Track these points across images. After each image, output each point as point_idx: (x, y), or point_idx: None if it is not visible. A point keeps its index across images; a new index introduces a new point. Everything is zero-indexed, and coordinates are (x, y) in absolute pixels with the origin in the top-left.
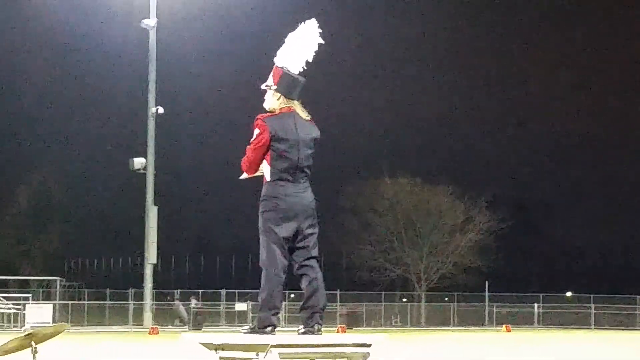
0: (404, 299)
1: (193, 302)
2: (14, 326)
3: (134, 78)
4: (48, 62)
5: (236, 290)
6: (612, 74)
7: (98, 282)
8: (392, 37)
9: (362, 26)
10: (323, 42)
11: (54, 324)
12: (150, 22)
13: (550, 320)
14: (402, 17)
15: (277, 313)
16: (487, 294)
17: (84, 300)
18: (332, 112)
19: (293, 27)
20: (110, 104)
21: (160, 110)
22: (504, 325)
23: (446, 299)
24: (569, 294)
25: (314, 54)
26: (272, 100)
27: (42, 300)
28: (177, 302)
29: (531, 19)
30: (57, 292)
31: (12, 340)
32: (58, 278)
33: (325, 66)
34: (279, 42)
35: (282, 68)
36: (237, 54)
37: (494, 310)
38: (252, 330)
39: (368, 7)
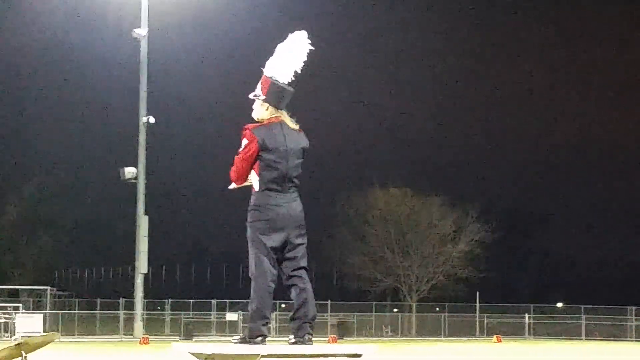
0: (395, 309)
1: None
2: (5, 336)
3: (125, 88)
4: (39, 72)
5: (227, 300)
6: (608, 85)
7: (89, 292)
8: (385, 48)
9: (354, 38)
10: (313, 48)
11: (45, 334)
12: (142, 32)
13: (540, 331)
14: (395, 28)
15: (268, 323)
16: (477, 304)
17: (75, 309)
18: (324, 123)
19: (283, 37)
20: (101, 114)
21: (152, 119)
22: (494, 336)
23: (437, 309)
24: (559, 304)
25: (303, 64)
26: (261, 110)
27: (33, 309)
28: None
29: (525, 32)
30: (48, 302)
31: (2, 349)
32: (49, 287)
33: (318, 77)
34: (270, 52)
35: (270, 78)
36: (227, 63)
37: (485, 320)
38: (243, 340)
39: (360, 18)
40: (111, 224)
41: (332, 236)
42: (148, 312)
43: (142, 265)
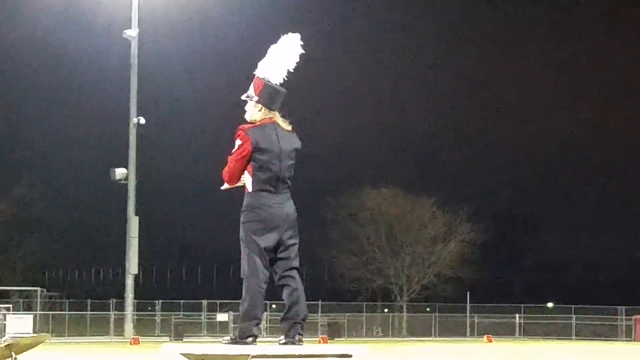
0: (386, 310)
1: None
2: None
3: (115, 88)
4: (29, 72)
5: (217, 301)
6: (606, 86)
7: (79, 293)
8: (375, 49)
9: (345, 39)
10: (304, 51)
11: (35, 335)
12: (132, 32)
13: (531, 331)
14: (385, 30)
15: (258, 324)
16: (468, 304)
17: (65, 310)
18: (315, 122)
19: (275, 39)
20: (91, 115)
21: (142, 120)
22: (485, 336)
23: (428, 309)
24: (550, 304)
25: (295, 65)
26: (253, 111)
27: (23, 310)
28: None
29: (514, 31)
30: (38, 303)
31: None
32: (39, 288)
33: (308, 77)
34: (262, 53)
35: (263, 79)
36: (218, 64)
37: (475, 320)
38: (233, 341)
39: (350, 20)
40: (102, 224)
41: (323, 236)
42: (138, 312)
43: (132, 266)
